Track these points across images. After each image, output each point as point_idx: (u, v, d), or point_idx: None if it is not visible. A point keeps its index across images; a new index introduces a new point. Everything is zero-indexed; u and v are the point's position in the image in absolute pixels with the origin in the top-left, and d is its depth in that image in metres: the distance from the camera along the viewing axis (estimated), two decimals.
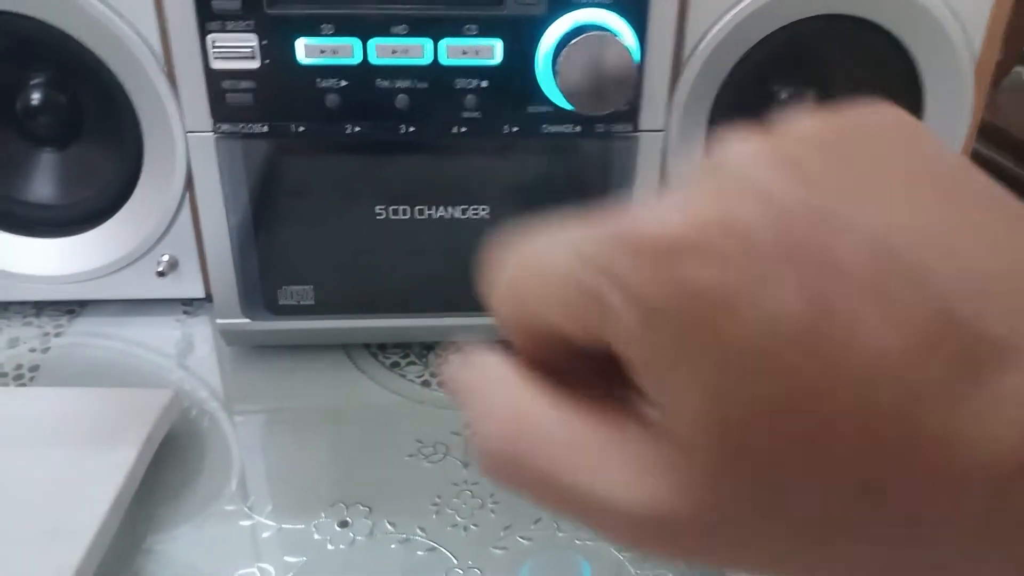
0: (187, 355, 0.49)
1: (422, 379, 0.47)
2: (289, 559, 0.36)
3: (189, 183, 0.46)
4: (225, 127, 0.41)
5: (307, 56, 0.39)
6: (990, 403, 0.13)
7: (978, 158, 0.75)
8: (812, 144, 0.16)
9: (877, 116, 0.17)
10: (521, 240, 0.17)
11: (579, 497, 0.16)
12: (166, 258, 0.50)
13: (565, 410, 0.16)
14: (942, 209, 0.15)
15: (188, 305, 0.53)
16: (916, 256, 0.14)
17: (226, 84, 0.40)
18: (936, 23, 0.46)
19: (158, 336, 0.51)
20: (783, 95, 0.50)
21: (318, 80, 0.40)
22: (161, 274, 0.49)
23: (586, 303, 0.15)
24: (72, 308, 0.53)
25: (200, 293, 0.51)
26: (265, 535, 0.37)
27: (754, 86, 0.48)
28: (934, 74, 0.48)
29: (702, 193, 0.15)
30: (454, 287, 0.46)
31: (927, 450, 0.13)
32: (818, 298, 0.13)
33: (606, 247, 0.15)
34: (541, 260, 0.16)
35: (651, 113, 0.42)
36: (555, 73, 0.39)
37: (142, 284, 0.50)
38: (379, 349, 0.49)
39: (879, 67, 0.49)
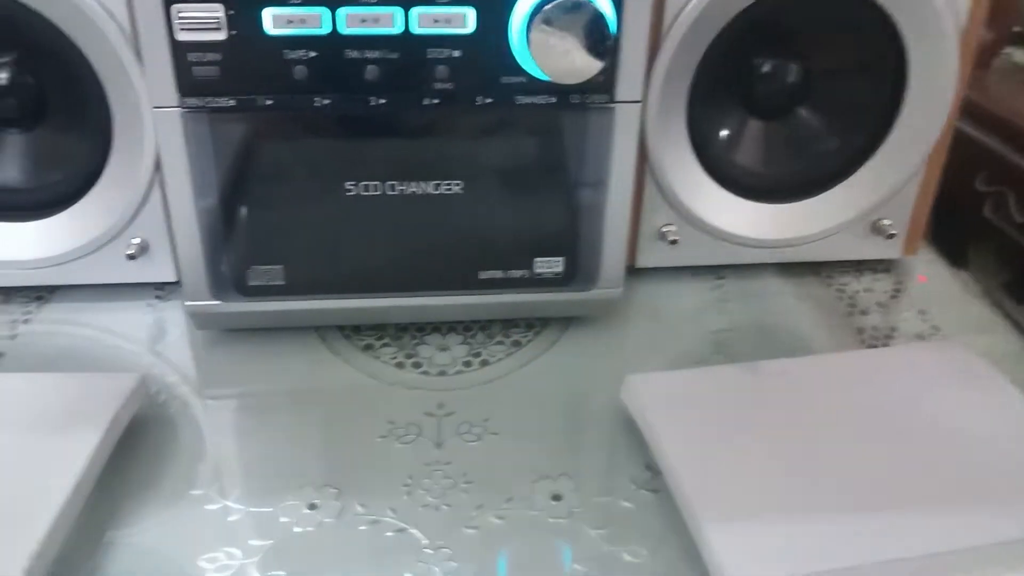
0: (158, 341, 0.48)
1: (396, 361, 0.46)
2: (255, 543, 0.35)
3: (159, 163, 0.44)
4: (191, 102, 0.40)
5: (275, 27, 0.38)
6: None
7: (965, 138, 0.73)
8: None
9: None
10: None
11: None
12: (137, 241, 0.49)
13: None
14: None
15: (160, 290, 0.52)
16: None
17: (192, 57, 0.39)
18: None
19: (129, 321, 0.49)
20: (765, 67, 0.49)
21: (286, 52, 0.39)
22: (132, 257, 0.48)
23: None
24: (41, 294, 0.51)
25: (172, 277, 0.50)
26: (232, 519, 0.36)
27: (736, 58, 0.47)
28: (919, 45, 0.47)
29: None
30: (428, 265, 0.45)
31: None
32: None
33: None
34: None
35: (628, 84, 0.41)
36: (529, 42, 0.38)
37: (113, 268, 0.49)
38: (353, 331, 0.48)
39: (863, 38, 0.48)
